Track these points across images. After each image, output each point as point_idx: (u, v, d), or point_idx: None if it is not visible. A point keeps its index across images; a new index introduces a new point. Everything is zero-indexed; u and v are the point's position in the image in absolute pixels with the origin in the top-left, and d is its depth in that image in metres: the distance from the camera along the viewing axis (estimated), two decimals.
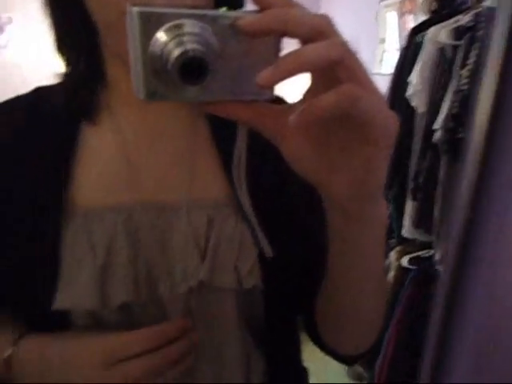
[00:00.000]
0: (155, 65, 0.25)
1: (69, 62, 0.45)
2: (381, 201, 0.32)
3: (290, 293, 0.47)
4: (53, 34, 0.44)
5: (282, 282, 0.45)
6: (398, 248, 1.41)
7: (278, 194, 0.46)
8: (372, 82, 0.26)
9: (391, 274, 1.42)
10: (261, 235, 0.42)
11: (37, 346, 0.43)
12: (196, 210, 0.44)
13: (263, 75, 0.24)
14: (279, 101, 0.28)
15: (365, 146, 0.27)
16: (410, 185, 1.32)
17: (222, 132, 0.35)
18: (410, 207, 1.33)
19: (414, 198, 1.30)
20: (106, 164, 0.44)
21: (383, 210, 0.33)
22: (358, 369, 1.55)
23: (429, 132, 1.24)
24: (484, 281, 1.02)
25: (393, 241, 1.44)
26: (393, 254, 1.43)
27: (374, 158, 0.27)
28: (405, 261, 1.38)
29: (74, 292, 0.40)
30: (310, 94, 0.29)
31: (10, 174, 0.44)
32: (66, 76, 0.45)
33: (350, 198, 0.30)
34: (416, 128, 1.34)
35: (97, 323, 0.42)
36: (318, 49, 0.24)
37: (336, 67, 0.25)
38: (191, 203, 0.44)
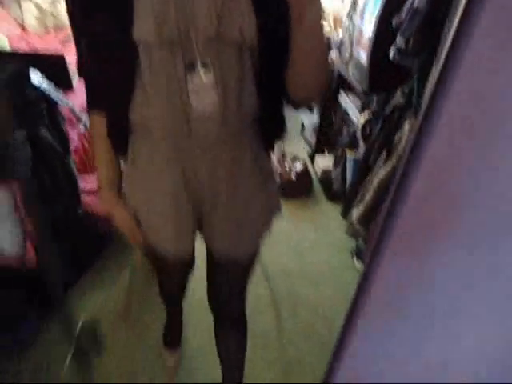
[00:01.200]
0: None
1: None
2: None
3: (276, 55, 0.73)
4: None
5: (271, 44, 0.73)
6: (413, 119, 1.43)
7: None
8: None
9: (402, 144, 1.48)
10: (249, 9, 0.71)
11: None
12: None
13: None
14: None
15: None
16: None
17: None
18: None
19: None
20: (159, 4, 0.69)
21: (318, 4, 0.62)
22: (357, 227, 1.74)
23: None
24: None
25: (409, 112, 1.46)
26: (407, 125, 1.46)
27: None
28: None
29: (141, 27, 0.70)
30: None
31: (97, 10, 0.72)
32: None
33: None
34: None
35: (150, 57, 0.72)
36: None
37: None
38: None
